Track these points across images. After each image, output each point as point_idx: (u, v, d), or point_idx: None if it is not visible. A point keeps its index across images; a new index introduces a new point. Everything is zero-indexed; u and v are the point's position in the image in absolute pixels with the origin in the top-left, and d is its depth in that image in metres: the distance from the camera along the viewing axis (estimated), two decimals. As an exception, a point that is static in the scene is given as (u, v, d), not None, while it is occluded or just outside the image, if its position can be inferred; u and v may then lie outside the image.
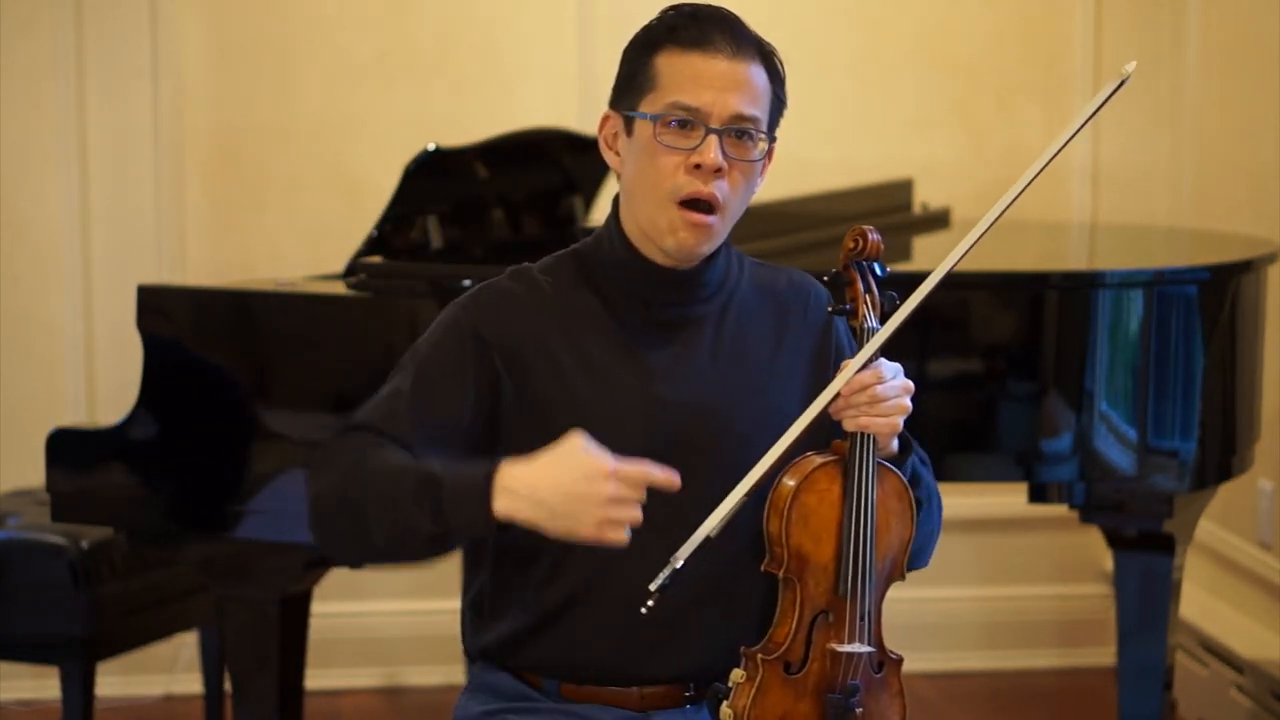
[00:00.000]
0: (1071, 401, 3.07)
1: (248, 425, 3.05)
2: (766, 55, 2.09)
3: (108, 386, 4.32)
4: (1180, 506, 3.17)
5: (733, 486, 1.97)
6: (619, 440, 1.97)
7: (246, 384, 3.07)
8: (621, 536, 1.90)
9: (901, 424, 2.05)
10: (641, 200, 2.07)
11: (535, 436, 2.00)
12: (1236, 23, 4.33)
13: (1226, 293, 3.20)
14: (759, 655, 2.04)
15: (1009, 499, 3.64)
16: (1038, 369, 3.11)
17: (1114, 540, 3.26)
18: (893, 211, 4.15)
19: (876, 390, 2.01)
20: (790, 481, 2.04)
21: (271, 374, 3.08)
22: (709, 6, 2.09)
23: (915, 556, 2.13)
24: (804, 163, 4.40)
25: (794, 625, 2.04)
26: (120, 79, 4.33)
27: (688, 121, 2.03)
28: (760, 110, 2.06)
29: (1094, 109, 2.05)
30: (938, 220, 4.16)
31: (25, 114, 4.31)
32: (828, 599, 2.04)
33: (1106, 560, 4.11)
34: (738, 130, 2.04)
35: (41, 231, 4.34)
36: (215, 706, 3.85)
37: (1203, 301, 3.15)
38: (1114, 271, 3.18)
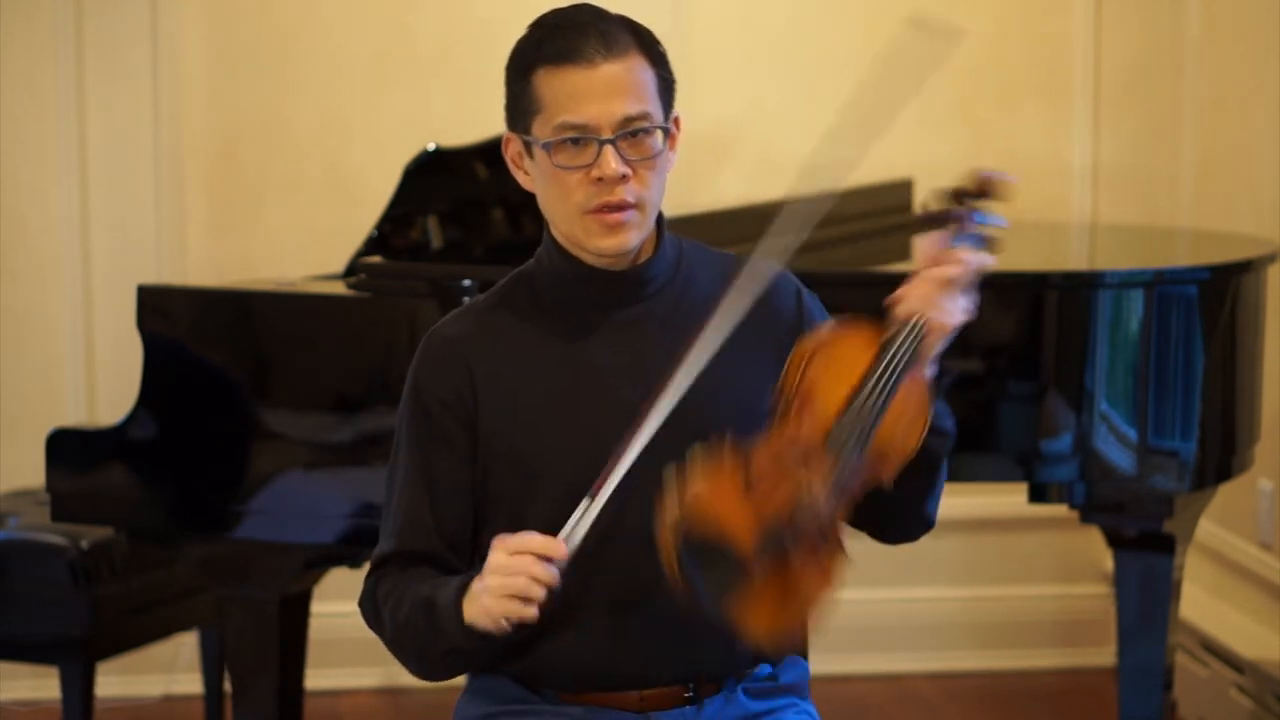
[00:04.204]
0: (1071, 401, 3.08)
1: (248, 425, 3.05)
2: (642, 41, 2.05)
3: (108, 386, 4.32)
4: (1180, 506, 3.17)
5: None
6: (589, 449, 1.99)
7: (246, 384, 3.07)
8: (522, 612, 1.92)
9: (951, 331, 1.99)
10: (558, 219, 2.08)
11: (508, 467, 2.07)
12: (1236, 23, 4.33)
13: (1226, 293, 3.20)
14: (731, 448, 1.96)
15: (1009, 499, 3.64)
16: (1038, 369, 3.11)
17: (1114, 540, 3.26)
18: (893, 211, 4.15)
19: (952, 274, 1.98)
20: (830, 328, 2.02)
21: (271, 374, 3.08)
22: (571, 9, 2.06)
23: (912, 520, 2.11)
24: (804, 163, 4.40)
25: (774, 452, 1.96)
26: (120, 79, 4.33)
27: (579, 139, 2.01)
28: (648, 103, 2.03)
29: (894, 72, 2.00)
30: (938, 220, 4.15)
31: (25, 114, 4.31)
32: (813, 445, 1.97)
33: (1106, 560, 4.11)
34: (630, 132, 2.01)
35: (41, 231, 4.34)
36: (215, 706, 3.85)
37: (1203, 301, 3.15)
38: (1114, 272, 3.18)
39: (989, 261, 2.02)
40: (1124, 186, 4.58)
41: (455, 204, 3.56)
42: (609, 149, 2.00)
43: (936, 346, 2.01)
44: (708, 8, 4.47)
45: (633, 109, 2.01)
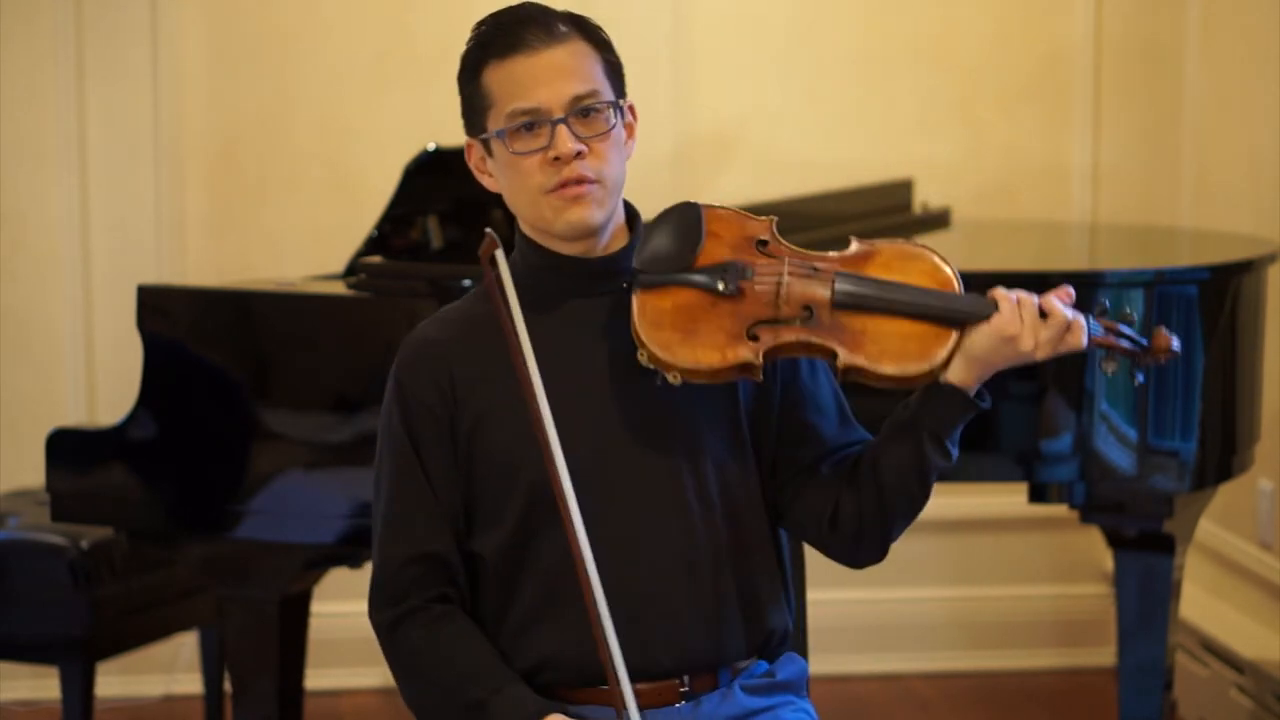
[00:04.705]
0: (1071, 401, 3.07)
1: (248, 425, 3.05)
2: (583, 28, 2.11)
3: (108, 386, 4.33)
4: (1180, 506, 3.17)
5: (679, 468, 2.07)
6: (565, 438, 2.01)
7: (247, 384, 3.07)
8: None
9: (1001, 338, 2.04)
10: (522, 206, 2.13)
11: (497, 463, 2.09)
12: (1236, 22, 4.33)
13: (1226, 293, 3.20)
14: (775, 230, 2.08)
15: (1009, 499, 3.64)
16: (1038, 369, 3.10)
17: (1114, 540, 3.26)
18: (893, 211, 4.15)
19: (1059, 312, 2.04)
20: (933, 252, 2.09)
21: (271, 374, 3.08)
22: (510, 9, 2.13)
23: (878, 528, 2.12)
24: (804, 163, 4.40)
25: (805, 252, 2.08)
26: (120, 79, 4.33)
27: (532, 123, 2.07)
28: (595, 83, 2.09)
29: None
30: (938, 220, 4.16)
31: (25, 114, 4.31)
32: (827, 273, 2.06)
33: (1106, 560, 4.11)
34: (581, 110, 2.07)
35: (41, 231, 4.34)
36: (215, 706, 3.85)
37: (1203, 301, 3.15)
38: (1114, 271, 3.18)
39: (1079, 342, 2.08)
40: (1124, 186, 4.58)
41: (455, 204, 3.55)
42: (561, 128, 2.06)
43: (985, 344, 2.05)
44: (708, 8, 4.47)
45: (580, 88, 2.07)
